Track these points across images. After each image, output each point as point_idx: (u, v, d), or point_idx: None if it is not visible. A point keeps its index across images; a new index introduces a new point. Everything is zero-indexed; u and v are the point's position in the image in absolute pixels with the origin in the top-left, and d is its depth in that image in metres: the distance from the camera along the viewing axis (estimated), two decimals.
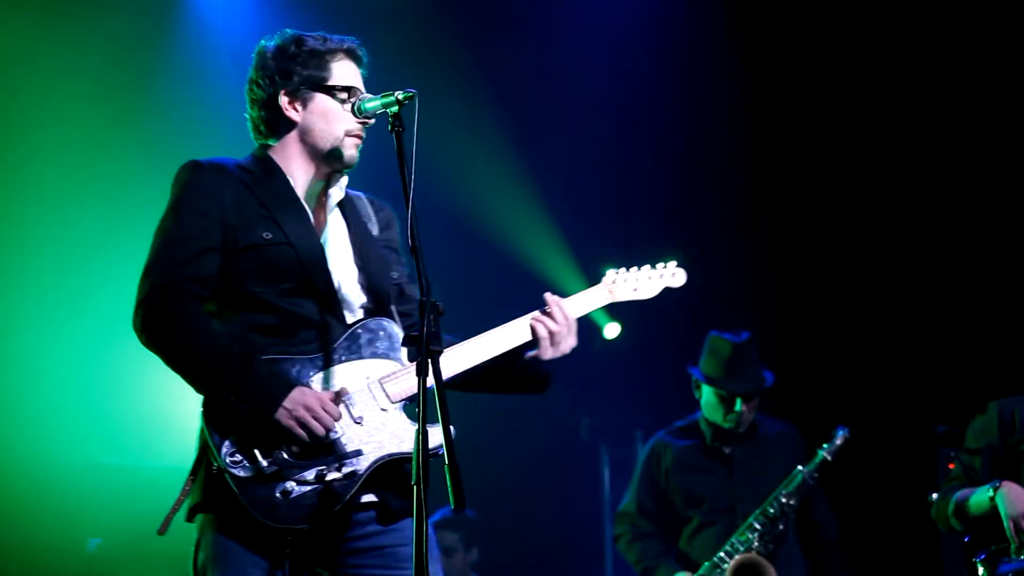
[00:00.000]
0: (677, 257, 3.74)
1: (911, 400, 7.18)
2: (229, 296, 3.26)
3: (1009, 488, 4.54)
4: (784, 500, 5.73)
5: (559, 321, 3.37)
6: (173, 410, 6.37)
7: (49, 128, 6.54)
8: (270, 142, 3.43)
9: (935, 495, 4.90)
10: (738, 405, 5.83)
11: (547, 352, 3.37)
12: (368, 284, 3.37)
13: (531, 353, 3.42)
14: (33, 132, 6.52)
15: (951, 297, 7.31)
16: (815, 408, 5.90)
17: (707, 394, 5.94)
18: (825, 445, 5.81)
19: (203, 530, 3.20)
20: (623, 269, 3.63)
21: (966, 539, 4.76)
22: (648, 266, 3.67)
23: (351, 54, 3.44)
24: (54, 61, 6.55)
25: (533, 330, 3.37)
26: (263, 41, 3.47)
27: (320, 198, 3.44)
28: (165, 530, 3.16)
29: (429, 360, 2.89)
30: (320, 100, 3.38)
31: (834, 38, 7.58)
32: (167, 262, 3.20)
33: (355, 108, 3.31)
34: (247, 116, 3.48)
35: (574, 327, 3.41)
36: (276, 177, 3.37)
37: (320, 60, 3.39)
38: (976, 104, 7.24)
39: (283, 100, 3.38)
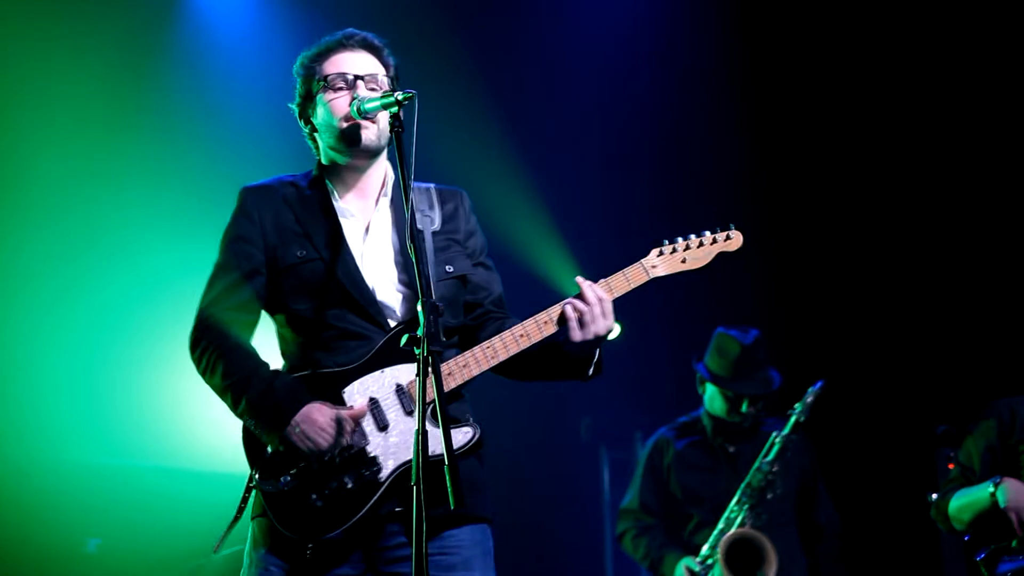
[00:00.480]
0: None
1: (911, 400, 7.18)
2: (282, 314, 3.35)
3: (1009, 483, 4.55)
4: (768, 469, 5.73)
5: (589, 301, 3.29)
6: (173, 410, 6.37)
7: (48, 127, 6.52)
8: (321, 159, 3.52)
9: (935, 495, 4.90)
10: (744, 406, 5.83)
11: (576, 333, 3.28)
12: (412, 283, 3.33)
13: (564, 336, 3.33)
14: (31, 131, 6.50)
15: (951, 297, 7.31)
16: (814, 407, 5.89)
17: (712, 391, 5.93)
18: (797, 406, 5.80)
19: (251, 535, 3.30)
20: (680, 239, 3.50)
21: (966, 538, 4.77)
22: (708, 231, 3.54)
23: (343, 46, 3.46)
24: (52, 59, 6.54)
25: (563, 313, 3.30)
26: None
27: (363, 200, 3.46)
28: (219, 548, 3.27)
29: (429, 360, 2.88)
30: (318, 99, 3.43)
31: (834, 37, 7.58)
32: (211, 294, 3.35)
33: (354, 109, 3.33)
34: None
35: (608, 308, 3.29)
36: (316, 190, 3.44)
37: (312, 68, 3.46)
38: (976, 106, 7.24)
39: (300, 123, 3.52)
